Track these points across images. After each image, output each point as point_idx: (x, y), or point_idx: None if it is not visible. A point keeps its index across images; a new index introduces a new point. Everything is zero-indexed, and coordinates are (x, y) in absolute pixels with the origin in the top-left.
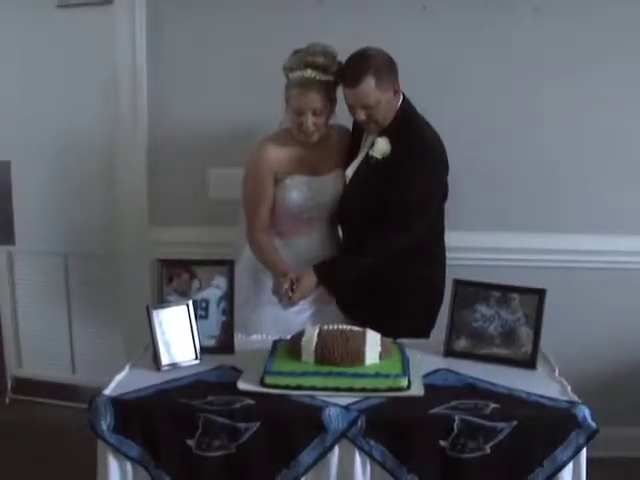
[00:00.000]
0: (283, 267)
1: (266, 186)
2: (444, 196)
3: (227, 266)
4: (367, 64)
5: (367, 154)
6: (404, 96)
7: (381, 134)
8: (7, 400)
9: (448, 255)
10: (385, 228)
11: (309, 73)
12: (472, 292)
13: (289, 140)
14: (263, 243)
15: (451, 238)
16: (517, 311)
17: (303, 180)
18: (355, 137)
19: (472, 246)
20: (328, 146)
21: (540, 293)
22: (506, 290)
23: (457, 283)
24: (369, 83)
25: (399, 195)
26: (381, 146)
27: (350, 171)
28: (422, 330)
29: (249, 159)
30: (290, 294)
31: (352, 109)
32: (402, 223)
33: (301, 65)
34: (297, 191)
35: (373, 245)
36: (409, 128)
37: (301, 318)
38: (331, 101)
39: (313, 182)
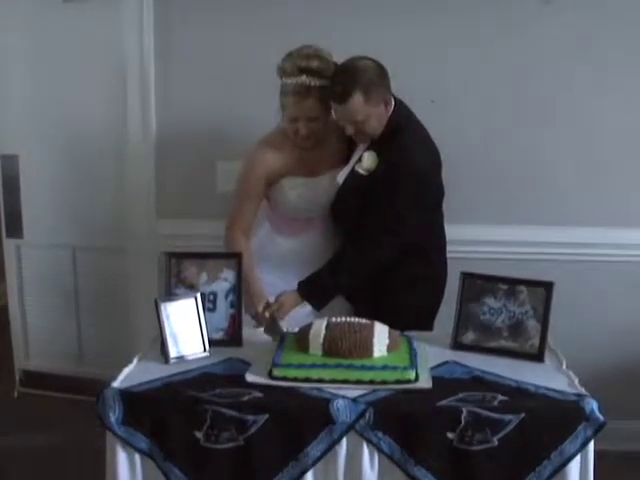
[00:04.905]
0: (257, 287)
1: (256, 190)
2: (437, 201)
3: (235, 259)
4: (355, 80)
5: (354, 167)
6: (397, 102)
7: (370, 147)
8: (16, 393)
9: (455, 248)
10: (362, 241)
11: (304, 79)
12: (480, 285)
13: (286, 142)
14: (240, 244)
15: (458, 231)
16: (525, 304)
17: (299, 182)
18: None
19: (480, 239)
20: (326, 146)
21: (548, 286)
22: (514, 283)
23: (465, 276)
24: (357, 100)
25: (377, 210)
26: (367, 162)
27: (340, 178)
28: (423, 325)
29: (246, 159)
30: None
31: (341, 123)
32: (378, 238)
33: (295, 71)
34: (294, 193)
35: (349, 259)
36: (396, 142)
37: (305, 310)
38: (327, 106)
39: (310, 184)
